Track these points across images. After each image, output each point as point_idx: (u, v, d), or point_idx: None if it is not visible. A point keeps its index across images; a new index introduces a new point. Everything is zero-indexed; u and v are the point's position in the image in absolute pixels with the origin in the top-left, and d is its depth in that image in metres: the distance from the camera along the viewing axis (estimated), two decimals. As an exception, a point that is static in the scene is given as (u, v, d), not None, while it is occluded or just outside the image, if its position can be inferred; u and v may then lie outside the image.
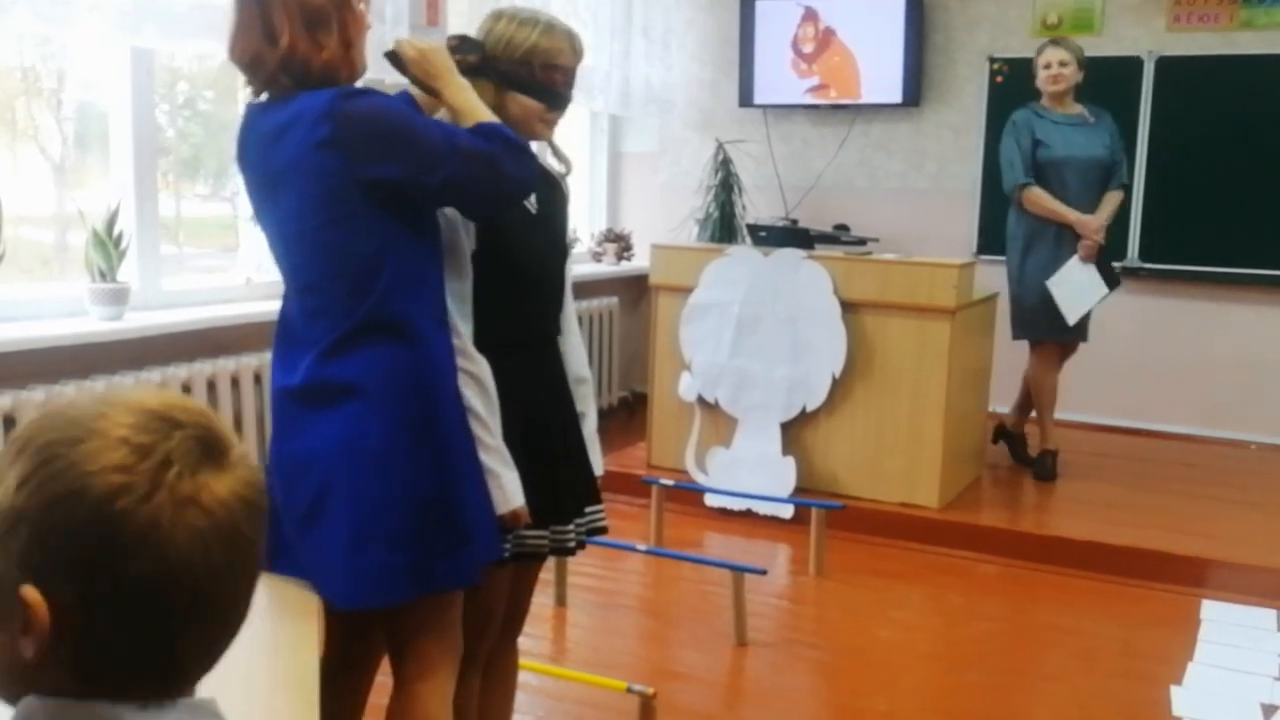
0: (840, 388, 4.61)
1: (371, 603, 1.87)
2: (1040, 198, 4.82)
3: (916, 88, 6.23)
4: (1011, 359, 5.31)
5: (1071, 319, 4.83)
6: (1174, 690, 3.21)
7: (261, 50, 1.86)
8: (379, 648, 2.14)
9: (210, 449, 0.85)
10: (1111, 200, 4.85)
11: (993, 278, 5.26)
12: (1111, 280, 4.86)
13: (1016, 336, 5.01)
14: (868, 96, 6.33)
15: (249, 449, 0.92)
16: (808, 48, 6.42)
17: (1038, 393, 5.05)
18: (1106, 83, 5.84)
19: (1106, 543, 4.20)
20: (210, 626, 0.87)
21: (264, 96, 1.92)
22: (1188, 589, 3.97)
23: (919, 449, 4.53)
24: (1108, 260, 4.88)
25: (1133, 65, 5.80)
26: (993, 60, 6.11)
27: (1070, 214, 4.77)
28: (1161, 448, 4.97)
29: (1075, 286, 4.81)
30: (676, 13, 6.56)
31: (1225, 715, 3.07)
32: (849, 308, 4.57)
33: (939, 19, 6.23)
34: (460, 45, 2.07)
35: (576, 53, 2.13)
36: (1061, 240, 4.82)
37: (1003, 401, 5.58)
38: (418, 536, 1.85)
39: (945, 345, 4.46)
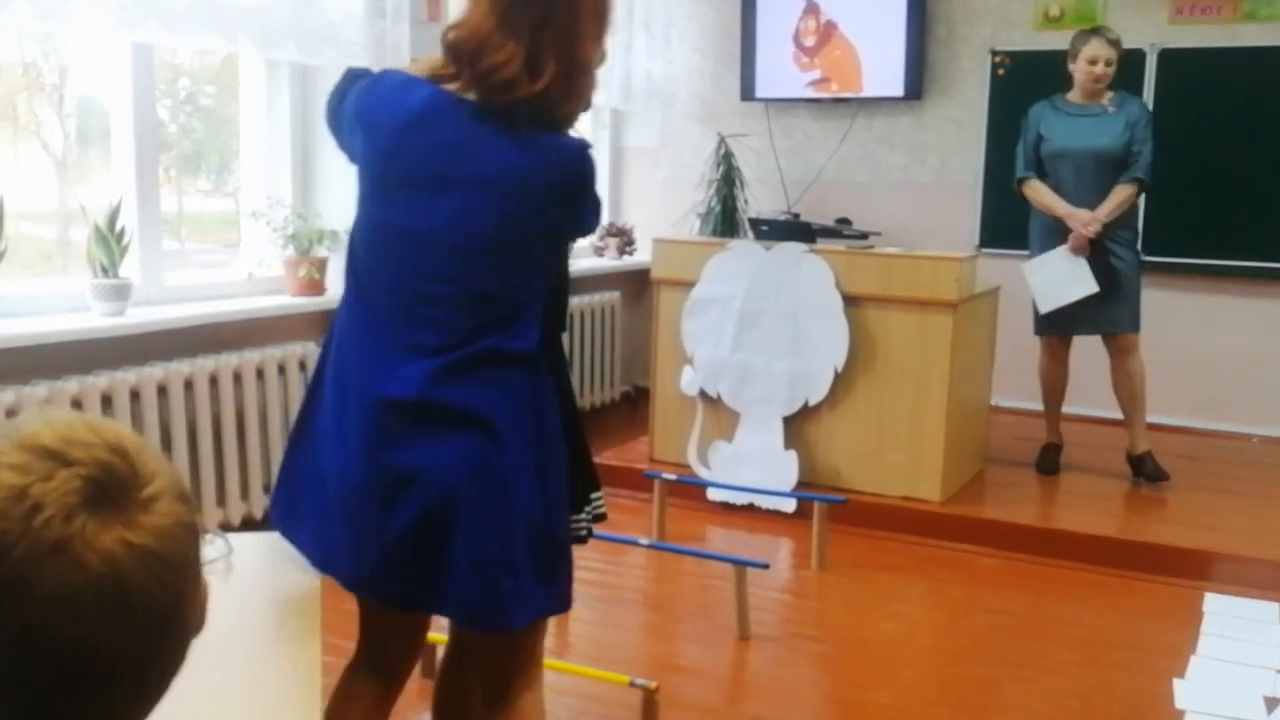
0: (842, 381, 4.60)
1: (507, 623, 1.86)
2: (1035, 192, 4.79)
3: (918, 81, 6.23)
4: (1014, 352, 5.31)
5: (1044, 308, 4.78)
6: (1176, 683, 3.21)
7: (520, 78, 1.78)
8: (417, 654, 2.15)
9: (104, 491, 0.75)
10: (1118, 194, 4.67)
11: (995, 271, 5.26)
12: (1104, 279, 4.69)
13: (1037, 331, 4.94)
14: (869, 90, 6.33)
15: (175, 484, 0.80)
16: (809, 41, 6.41)
17: (1041, 385, 5.02)
18: (1109, 75, 5.84)
19: (1108, 536, 4.21)
20: (100, 695, 0.75)
21: (469, 93, 1.83)
22: (1190, 582, 3.97)
23: (921, 443, 4.53)
24: (1106, 258, 4.70)
25: (1135, 58, 5.78)
26: (995, 53, 6.10)
27: (1060, 207, 4.71)
28: (1163, 440, 4.96)
29: (1055, 276, 4.73)
30: (678, 6, 6.56)
31: (1228, 708, 3.07)
32: (851, 301, 4.57)
33: (941, 12, 6.22)
34: None
35: None
36: (1062, 235, 4.74)
37: (1005, 395, 5.58)
38: (542, 558, 1.87)
39: (947, 339, 4.46)
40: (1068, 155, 4.74)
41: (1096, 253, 4.69)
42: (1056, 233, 4.76)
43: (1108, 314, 4.76)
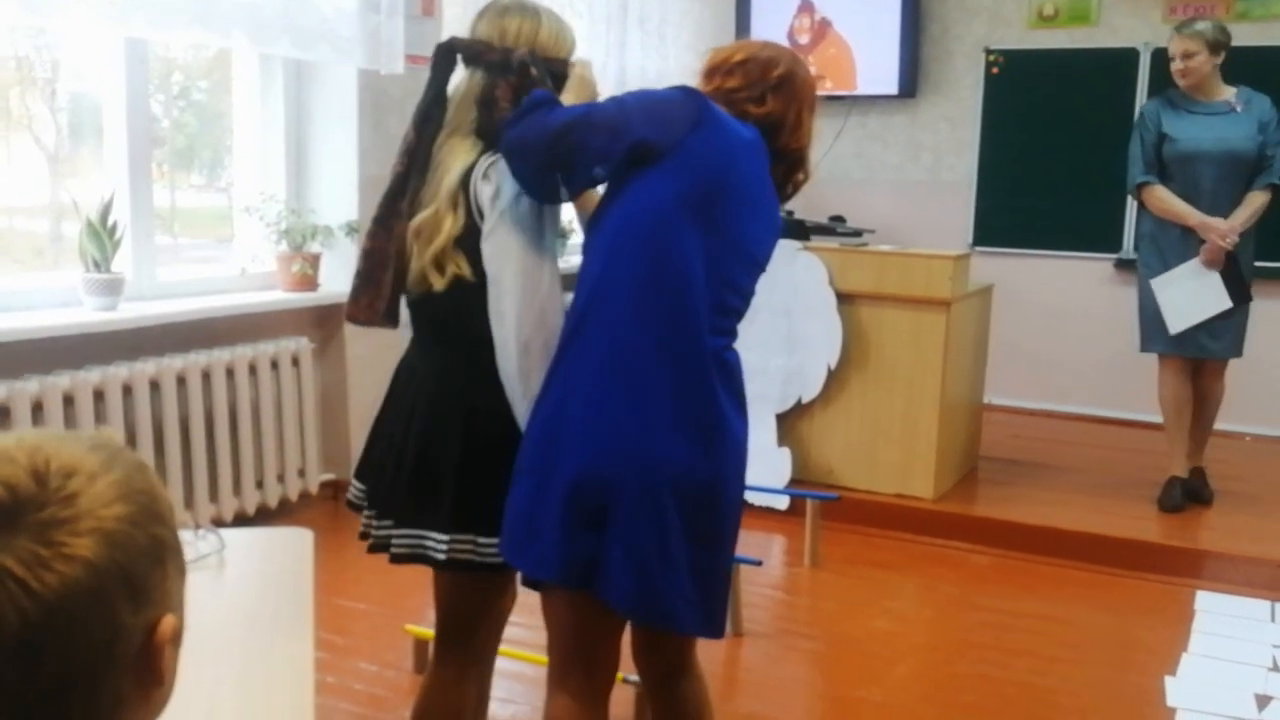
0: (836, 379, 4.61)
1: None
2: (1161, 198, 4.38)
3: (913, 79, 6.23)
4: (1006, 350, 5.31)
5: (1174, 327, 4.36)
6: (1168, 681, 3.22)
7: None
8: None
9: (3, 509, 0.74)
10: (1253, 201, 4.31)
11: (988, 269, 5.27)
12: (1239, 294, 4.32)
13: (1143, 348, 4.58)
14: (864, 88, 6.33)
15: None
16: (804, 38, 6.41)
17: (1162, 408, 4.60)
18: (1102, 75, 5.85)
19: (1100, 534, 4.21)
20: None
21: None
22: (1182, 580, 3.98)
23: (914, 440, 4.53)
24: (1239, 270, 4.32)
25: (1129, 57, 5.80)
26: (989, 52, 6.11)
27: (1192, 216, 4.29)
28: (1156, 439, 4.96)
29: (1186, 292, 4.34)
30: (672, 3, 6.54)
31: (1219, 705, 3.08)
32: (845, 299, 4.57)
33: (935, 10, 6.22)
34: (530, 63, 2.01)
35: None
36: (1189, 244, 4.36)
37: (998, 393, 5.58)
38: None
39: (941, 337, 4.46)
40: (1202, 157, 4.32)
41: (1228, 266, 4.32)
42: (1182, 244, 4.37)
43: (1222, 335, 4.41)
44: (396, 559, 2.05)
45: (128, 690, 0.80)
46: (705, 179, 1.88)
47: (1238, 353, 4.48)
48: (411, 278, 2.01)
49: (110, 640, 0.77)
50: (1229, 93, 4.39)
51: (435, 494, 1.98)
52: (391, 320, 2.05)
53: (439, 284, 1.97)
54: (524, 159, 1.90)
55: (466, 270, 1.94)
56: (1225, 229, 4.26)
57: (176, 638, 0.84)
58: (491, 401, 1.96)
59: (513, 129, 1.91)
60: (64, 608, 0.74)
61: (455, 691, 2.16)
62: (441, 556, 1.99)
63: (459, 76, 2.06)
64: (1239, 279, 4.33)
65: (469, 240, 1.94)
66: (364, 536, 2.15)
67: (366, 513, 2.15)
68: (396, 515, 2.05)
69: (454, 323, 2.01)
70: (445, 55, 2.02)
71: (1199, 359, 4.50)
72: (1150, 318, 4.49)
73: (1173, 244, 4.40)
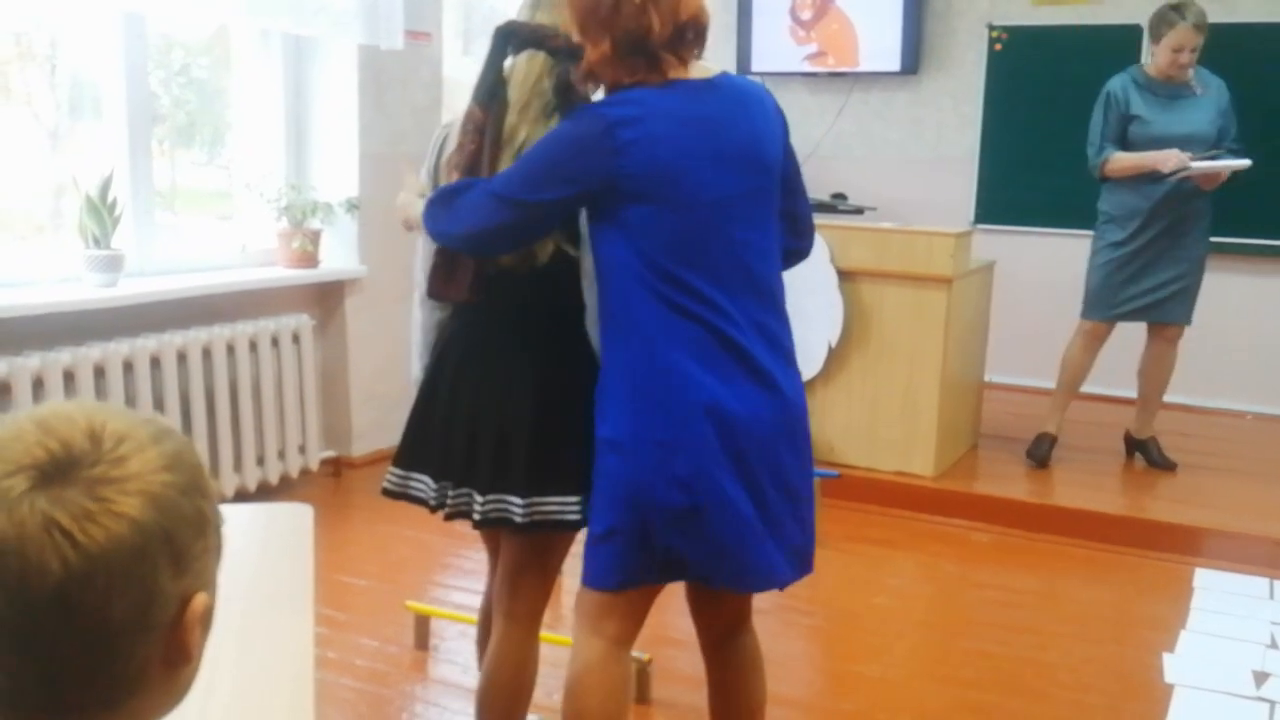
0: (836, 357, 4.61)
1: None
2: (1120, 159, 4.39)
3: (915, 56, 6.20)
4: (1008, 328, 5.31)
5: (1196, 168, 4.23)
6: (1166, 657, 3.23)
7: None
8: None
9: (57, 465, 0.78)
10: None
11: (990, 247, 5.25)
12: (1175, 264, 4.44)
13: (1084, 315, 4.68)
14: (866, 64, 6.30)
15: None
16: (806, 14, 6.38)
17: (1065, 368, 4.77)
18: (1105, 52, 5.82)
19: (1101, 511, 4.22)
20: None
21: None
22: (1181, 557, 3.99)
23: (915, 418, 4.53)
24: (1183, 239, 4.43)
25: (1133, 34, 5.77)
26: (992, 28, 6.08)
27: (1147, 157, 4.30)
28: (1158, 417, 4.96)
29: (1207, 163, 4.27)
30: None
31: (1217, 682, 3.09)
32: (846, 276, 4.56)
33: (938, -14, 6.19)
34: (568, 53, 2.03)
35: None
36: (1153, 218, 4.40)
37: (999, 371, 5.58)
38: None
39: (942, 314, 4.45)
40: (1168, 141, 4.32)
41: (1175, 234, 4.40)
42: (1133, 219, 4.43)
43: (1171, 301, 4.51)
44: (483, 524, 2.11)
45: (155, 663, 0.82)
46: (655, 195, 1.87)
47: (1188, 319, 4.59)
48: (510, 254, 2.06)
49: (147, 603, 0.79)
50: (1189, 74, 4.39)
51: (561, 458, 2.07)
52: (475, 294, 2.10)
53: (544, 257, 2.05)
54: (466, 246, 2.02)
55: (566, 243, 2.04)
56: (1178, 156, 4.25)
57: (207, 618, 0.86)
58: (581, 365, 2.07)
59: (440, 223, 2.00)
60: (107, 562, 0.76)
61: (529, 645, 2.24)
62: (520, 519, 2.07)
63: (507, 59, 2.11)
64: (1184, 248, 4.43)
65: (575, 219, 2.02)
66: (438, 507, 2.18)
67: (436, 485, 2.17)
68: (479, 483, 2.10)
69: (555, 293, 2.08)
70: (506, 38, 2.06)
71: (1158, 324, 4.60)
72: (1097, 288, 4.59)
73: (1129, 225, 4.46)
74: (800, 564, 2.05)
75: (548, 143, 1.91)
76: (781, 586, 2.03)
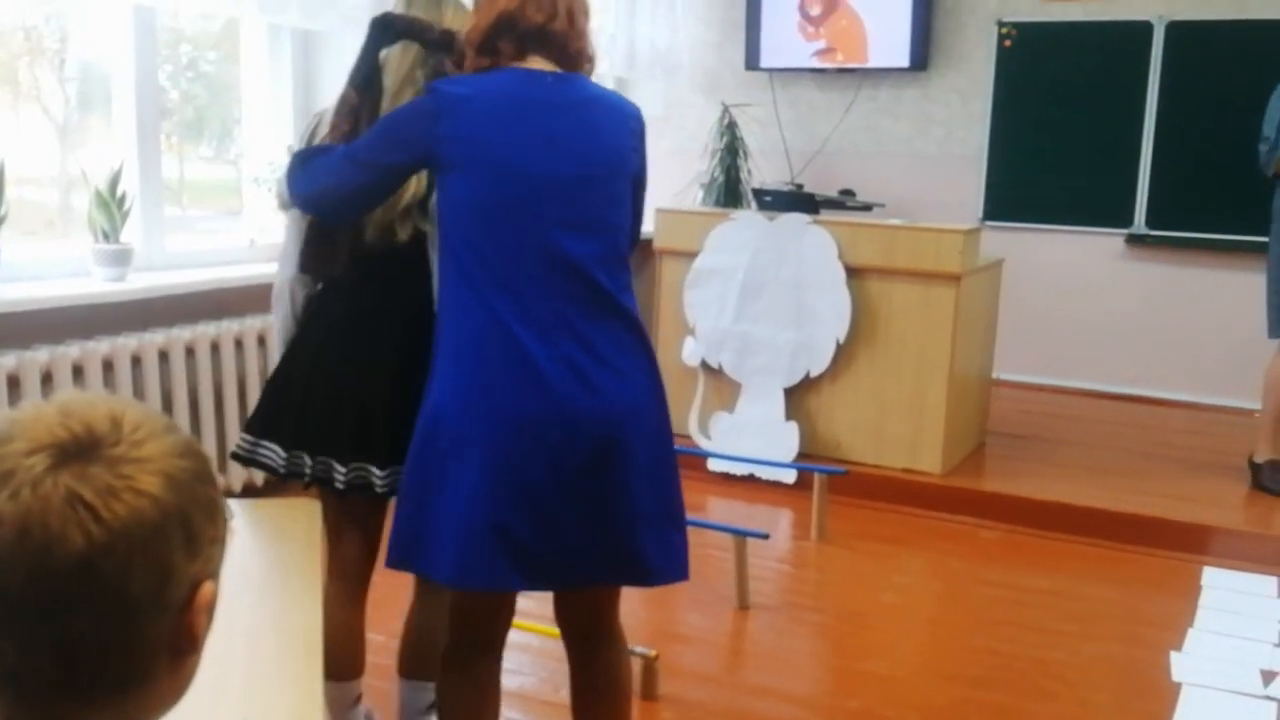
0: (844, 353, 4.60)
1: (678, 578, 2.09)
2: None
3: (924, 52, 6.19)
4: (1015, 325, 5.30)
5: None
6: (1173, 656, 3.22)
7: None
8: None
9: (79, 444, 0.81)
10: None
11: (999, 243, 5.24)
12: None
13: (1271, 334, 4.41)
14: (875, 60, 6.29)
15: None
16: (815, 10, 6.37)
17: (1267, 392, 4.49)
18: (1115, 48, 5.81)
19: (1108, 509, 4.21)
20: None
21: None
22: (1189, 555, 3.98)
23: (922, 415, 4.53)
24: None
25: (1143, 30, 5.76)
26: (1001, 24, 6.07)
27: None
28: (1165, 415, 4.96)
29: None
30: (683, -26, 6.51)
31: (1224, 681, 3.08)
32: (854, 273, 4.56)
33: (947, -18, 6.17)
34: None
35: None
36: None
37: (1007, 368, 5.57)
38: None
39: (950, 311, 4.45)
40: None
41: None
42: None
43: None
44: (346, 492, 2.16)
45: (164, 650, 0.84)
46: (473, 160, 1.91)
47: None
48: (373, 231, 2.16)
49: (164, 580, 0.81)
50: None
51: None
52: (343, 271, 2.21)
53: (404, 236, 2.15)
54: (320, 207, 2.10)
55: (423, 220, 2.15)
56: None
57: (212, 606, 0.87)
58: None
59: (298, 184, 2.09)
60: (127, 537, 0.79)
61: (440, 604, 2.21)
62: (380, 488, 2.15)
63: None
64: None
65: (429, 198, 2.12)
66: (287, 475, 2.22)
67: (286, 454, 2.21)
68: (339, 453, 2.16)
69: (413, 269, 2.18)
70: (383, 28, 2.17)
71: None
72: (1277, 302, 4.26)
73: None
74: (594, 568, 2.00)
75: (394, 112, 2.03)
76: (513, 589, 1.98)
